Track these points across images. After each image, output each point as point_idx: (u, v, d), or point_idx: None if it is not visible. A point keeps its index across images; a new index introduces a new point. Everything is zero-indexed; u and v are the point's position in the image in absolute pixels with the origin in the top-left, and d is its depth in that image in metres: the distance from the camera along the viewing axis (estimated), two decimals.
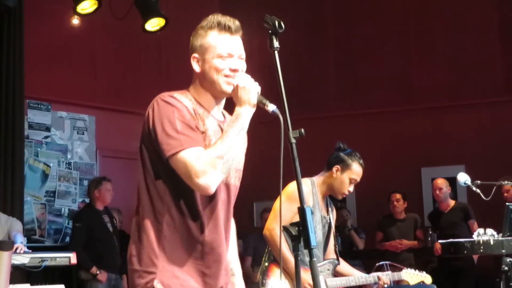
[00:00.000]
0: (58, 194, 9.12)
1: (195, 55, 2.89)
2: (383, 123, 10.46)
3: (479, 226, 6.86)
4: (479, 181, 6.07)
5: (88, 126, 9.55)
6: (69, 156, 9.30)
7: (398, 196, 9.13)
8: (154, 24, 8.33)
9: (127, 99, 9.71)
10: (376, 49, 10.78)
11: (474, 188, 6.02)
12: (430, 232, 8.81)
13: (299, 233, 2.48)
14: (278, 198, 4.62)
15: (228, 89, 2.84)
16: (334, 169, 4.82)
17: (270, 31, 2.69)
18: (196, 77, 2.91)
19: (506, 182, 6.37)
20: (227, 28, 2.87)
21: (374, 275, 5.15)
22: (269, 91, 2.91)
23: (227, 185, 2.89)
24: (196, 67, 2.88)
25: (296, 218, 2.57)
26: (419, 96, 10.48)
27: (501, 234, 5.76)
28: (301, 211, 2.47)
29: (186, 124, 2.73)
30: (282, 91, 2.64)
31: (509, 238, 5.63)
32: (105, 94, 9.67)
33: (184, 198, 2.78)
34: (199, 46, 2.88)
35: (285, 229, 2.54)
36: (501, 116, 9.93)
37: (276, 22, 2.67)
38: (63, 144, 9.26)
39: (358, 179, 4.87)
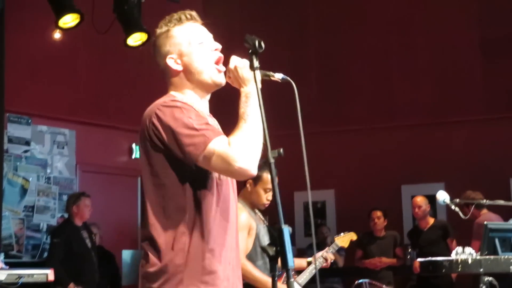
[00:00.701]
0: (37, 209, 9.05)
1: (171, 56, 2.80)
2: (364, 140, 10.49)
3: (458, 244, 6.89)
4: (458, 200, 6.11)
5: (69, 141, 9.50)
6: (48, 171, 9.24)
7: (378, 213, 9.14)
8: (136, 38, 8.32)
9: (109, 114, 9.68)
10: (359, 65, 10.83)
11: (453, 207, 6.04)
12: (410, 250, 8.83)
13: (276, 254, 2.48)
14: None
15: (220, 79, 2.79)
16: (247, 184, 4.95)
17: (250, 51, 2.68)
18: (176, 79, 2.82)
19: (485, 201, 6.40)
20: (189, 18, 2.84)
21: (319, 259, 5.41)
22: None
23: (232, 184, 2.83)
24: (177, 66, 2.79)
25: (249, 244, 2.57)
26: (400, 113, 10.52)
27: (479, 253, 5.79)
28: (279, 232, 2.47)
29: (200, 118, 2.63)
30: (261, 110, 2.63)
31: (487, 257, 5.65)
32: (86, 108, 9.64)
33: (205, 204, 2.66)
34: (170, 46, 2.80)
35: (263, 249, 2.53)
36: (481, 135, 9.98)
37: (256, 42, 2.66)
38: (42, 158, 9.20)
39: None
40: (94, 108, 9.69)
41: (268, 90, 2.82)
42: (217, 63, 2.81)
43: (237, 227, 2.86)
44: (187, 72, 2.79)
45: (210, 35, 2.88)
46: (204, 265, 2.63)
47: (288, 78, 2.72)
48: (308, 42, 11.22)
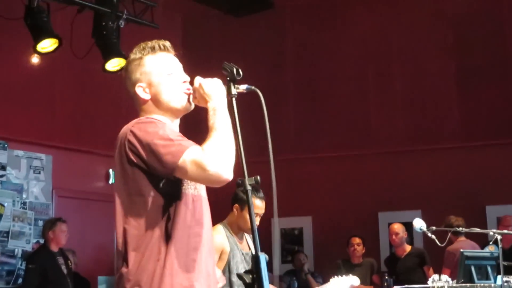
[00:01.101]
0: (12, 234, 8.95)
1: (140, 84, 2.84)
2: (341, 167, 10.51)
3: (435, 272, 6.92)
4: (434, 227, 6.13)
5: (45, 166, 9.43)
6: (24, 196, 9.16)
7: (357, 240, 9.17)
8: (114, 64, 8.33)
9: (86, 139, 9.64)
10: (336, 93, 10.88)
11: (429, 234, 6.07)
12: (386, 277, 8.82)
13: (253, 281, 2.47)
14: None
15: (186, 103, 2.83)
16: (234, 209, 4.91)
17: (228, 78, 2.70)
18: (145, 107, 2.86)
19: (461, 228, 6.44)
20: (162, 48, 2.89)
21: None
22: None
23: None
24: (146, 95, 2.84)
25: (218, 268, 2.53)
26: (377, 141, 10.57)
27: (455, 281, 5.81)
28: (255, 259, 2.47)
29: (174, 132, 2.69)
30: (239, 137, 2.64)
31: (463, 284, 5.68)
32: (63, 133, 9.59)
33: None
34: (140, 75, 2.85)
35: (239, 276, 2.53)
36: (457, 162, 10.04)
37: (234, 69, 2.69)
38: (18, 183, 9.12)
39: (261, 212, 4.87)
40: (71, 133, 9.65)
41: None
42: (185, 91, 2.85)
43: (213, 246, 2.91)
44: (155, 101, 2.85)
45: (180, 66, 2.92)
46: (179, 281, 2.66)
47: (253, 87, 2.75)
48: (285, 70, 11.27)
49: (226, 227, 4.93)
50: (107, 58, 8.29)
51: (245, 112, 2.81)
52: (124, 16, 8.47)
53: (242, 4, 10.98)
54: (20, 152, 9.19)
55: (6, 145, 9.04)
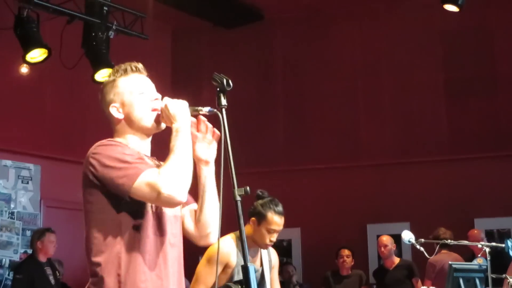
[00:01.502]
0: (0, 244, 8.92)
1: (114, 105, 2.93)
2: (330, 179, 10.52)
3: (423, 284, 6.92)
4: (423, 240, 6.15)
5: (33, 175, 9.41)
6: (12, 206, 9.13)
7: (347, 252, 9.17)
8: (104, 74, 8.31)
9: (74, 149, 9.59)
10: (325, 105, 10.91)
11: (418, 246, 6.09)
12: None
13: None
14: (201, 262, 4.61)
15: (156, 122, 2.89)
16: (251, 222, 4.70)
17: (218, 89, 2.71)
18: (119, 127, 2.95)
19: (449, 241, 6.45)
20: (134, 70, 2.97)
21: None
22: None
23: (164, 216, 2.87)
24: (119, 115, 2.92)
25: (220, 283, 2.51)
26: (366, 153, 10.60)
27: None
28: (245, 269, 2.46)
29: (134, 153, 2.77)
30: (229, 148, 2.65)
31: None
32: (52, 143, 9.57)
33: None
34: (114, 95, 2.94)
35: (228, 287, 2.52)
36: (446, 174, 10.07)
37: (224, 80, 2.70)
38: (6, 193, 9.08)
39: (278, 228, 4.68)
40: (60, 143, 9.63)
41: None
42: (154, 110, 2.91)
43: (180, 262, 2.92)
44: (128, 120, 2.92)
45: (152, 86, 2.98)
46: None
47: (215, 110, 2.79)
48: (275, 82, 11.30)
49: (238, 239, 4.67)
50: (96, 68, 8.30)
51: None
52: (113, 27, 8.47)
53: (232, 16, 11.00)
54: (8, 162, 9.16)
55: None
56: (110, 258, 2.74)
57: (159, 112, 2.88)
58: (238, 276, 4.61)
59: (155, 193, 2.63)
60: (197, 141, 2.94)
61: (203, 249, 3.05)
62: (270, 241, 4.72)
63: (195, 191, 2.91)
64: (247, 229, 4.70)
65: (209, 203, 2.93)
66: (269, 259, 4.99)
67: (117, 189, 2.69)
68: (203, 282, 4.60)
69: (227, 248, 4.64)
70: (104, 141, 2.82)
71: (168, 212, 2.86)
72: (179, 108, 2.80)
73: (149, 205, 2.78)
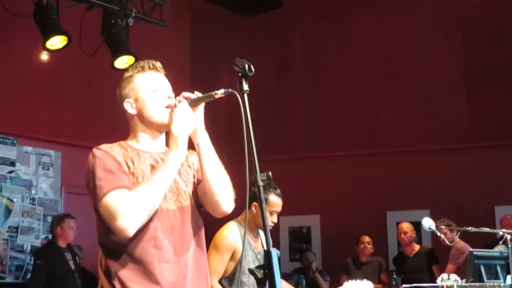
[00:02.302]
0: (21, 230, 8.98)
1: (128, 100, 2.97)
2: (349, 166, 10.51)
3: (443, 271, 6.91)
4: (443, 226, 6.13)
5: (54, 162, 9.46)
6: (33, 192, 9.19)
7: (367, 238, 9.19)
8: (123, 61, 8.34)
9: (94, 136, 9.64)
10: (344, 93, 10.88)
11: (438, 234, 6.07)
12: (395, 276, 8.79)
13: (264, 277, 2.47)
14: (209, 252, 4.65)
15: (168, 119, 2.90)
16: (252, 207, 4.86)
17: (239, 74, 2.70)
18: (132, 123, 2.99)
19: (470, 228, 6.42)
20: (151, 67, 3.01)
21: None
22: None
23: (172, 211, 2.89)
24: (132, 110, 2.96)
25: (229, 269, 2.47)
26: (385, 141, 10.56)
27: (464, 280, 5.80)
28: (267, 254, 2.46)
29: (106, 169, 2.80)
30: (250, 134, 2.64)
31: (473, 283, 5.66)
32: (72, 130, 9.61)
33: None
34: (129, 91, 2.98)
35: (251, 272, 2.52)
36: (466, 162, 10.03)
37: (246, 65, 2.68)
38: (27, 179, 9.14)
39: (278, 209, 4.92)
40: (80, 129, 9.66)
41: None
42: (168, 107, 2.92)
43: (197, 248, 2.94)
44: (140, 116, 2.96)
45: (168, 85, 3.01)
46: None
47: (230, 90, 2.77)
48: (294, 70, 11.27)
49: (241, 224, 4.87)
50: (115, 55, 8.32)
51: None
52: (133, 14, 8.49)
53: (251, 3, 10.98)
54: (29, 149, 9.22)
55: (15, 141, 9.07)
56: (107, 260, 2.89)
57: (172, 109, 2.89)
58: (246, 260, 4.72)
59: (110, 218, 2.70)
60: None
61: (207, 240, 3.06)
62: (272, 222, 4.95)
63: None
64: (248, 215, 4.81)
65: (210, 171, 2.89)
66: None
67: (92, 197, 2.80)
68: (215, 271, 4.69)
69: (232, 234, 4.78)
70: (93, 150, 2.89)
71: (169, 207, 2.88)
72: (183, 130, 2.82)
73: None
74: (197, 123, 2.90)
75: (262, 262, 4.76)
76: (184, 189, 2.94)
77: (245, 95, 2.71)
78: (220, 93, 2.79)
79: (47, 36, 7.82)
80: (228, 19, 11.27)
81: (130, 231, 2.68)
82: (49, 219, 8.91)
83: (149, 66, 3.00)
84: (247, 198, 2.71)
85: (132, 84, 2.98)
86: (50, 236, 8.44)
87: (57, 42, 7.94)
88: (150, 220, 2.77)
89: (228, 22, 11.34)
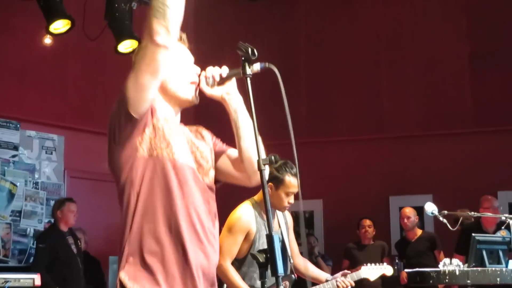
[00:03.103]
0: (24, 214, 9.00)
1: None
2: (352, 151, 10.51)
3: (446, 256, 6.92)
4: (446, 212, 6.13)
5: (57, 146, 9.46)
6: (36, 176, 9.20)
7: (368, 222, 9.21)
8: (127, 46, 8.32)
9: (97, 120, 9.59)
10: (348, 77, 10.85)
11: (441, 218, 6.07)
12: (397, 261, 8.83)
13: (266, 261, 2.47)
14: (222, 233, 4.62)
15: (193, 97, 2.84)
16: (268, 187, 4.70)
17: (243, 58, 2.69)
18: None
19: (473, 213, 6.43)
20: (178, 38, 2.84)
21: (333, 282, 5.22)
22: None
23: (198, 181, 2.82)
24: None
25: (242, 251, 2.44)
26: (389, 125, 10.55)
27: (466, 265, 5.81)
28: (269, 238, 2.47)
29: None
30: (253, 118, 2.64)
31: (475, 268, 5.68)
32: (75, 114, 9.61)
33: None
34: None
35: (253, 256, 2.53)
36: (469, 147, 10.01)
37: (249, 49, 2.67)
38: (31, 163, 9.15)
39: (295, 190, 4.76)
40: (83, 114, 9.67)
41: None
42: (193, 83, 2.86)
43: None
44: (163, 88, 2.82)
45: (192, 59, 2.93)
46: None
47: (267, 64, 2.73)
48: (298, 54, 11.24)
49: (256, 205, 4.79)
50: (119, 39, 8.30)
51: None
52: None
53: None
54: (32, 133, 9.22)
55: (18, 126, 9.07)
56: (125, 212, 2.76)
57: (198, 85, 2.83)
58: (260, 241, 4.66)
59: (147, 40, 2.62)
60: (209, 90, 2.89)
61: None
62: (289, 203, 4.83)
63: None
64: (262, 194, 4.72)
65: (249, 137, 2.83)
66: (285, 220, 5.08)
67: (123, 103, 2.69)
68: (228, 252, 4.63)
69: (246, 215, 4.68)
70: None
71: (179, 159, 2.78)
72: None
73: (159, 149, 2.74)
74: (231, 88, 2.87)
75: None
76: (204, 164, 2.90)
77: (248, 79, 2.70)
78: (256, 68, 2.73)
79: (50, 20, 7.80)
80: (232, 3, 11.23)
81: (163, 37, 2.61)
82: (52, 203, 8.91)
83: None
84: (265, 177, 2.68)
85: None
86: (52, 220, 8.47)
87: (60, 26, 7.91)
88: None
89: (232, 7, 11.29)
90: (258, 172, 2.69)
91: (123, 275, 2.66)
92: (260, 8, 11.17)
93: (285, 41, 11.21)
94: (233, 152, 2.97)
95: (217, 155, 2.97)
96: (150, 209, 2.69)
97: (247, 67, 2.68)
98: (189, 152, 2.83)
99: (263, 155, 2.73)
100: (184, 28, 2.86)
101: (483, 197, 8.22)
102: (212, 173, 2.91)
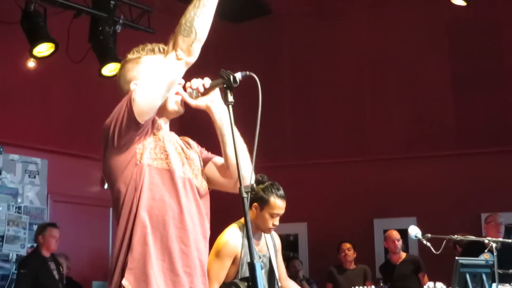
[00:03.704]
0: (7, 238, 8.92)
1: (135, 82, 2.86)
2: (336, 173, 10.51)
3: (430, 279, 6.92)
4: (429, 235, 6.13)
5: (40, 170, 9.41)
6: (19, 200, 9.13)
7: (348, 245, 9.20)
8: (111, 68, 8.32)
9: (81, 143, 9.61)
10: (332, 99, 10.89)
11: (424, 242, 6.07)
12: (381, 284, 8.82)
13: None
14: (209, 258, 4.58)
15: (179, 108, 2.88)
16: (253, 207, 4.70)
17: (224, 86, 2.71)
18: None
19: (456, 236, 6.43)
20: (161, 51, 2.90)
21: None
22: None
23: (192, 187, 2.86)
24: None
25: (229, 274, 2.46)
26: (372, 147, 10.57)
27: None
28: (251, 266, 2.46)
29: None
30: (235, 145, 2.64)
31: None
32: (59, 137, 9.57)
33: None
34: (137, 72, 2.89)
35: (236, 285, 2.51)
36: (453, 169, 10.04)
37: (231, 77, 2.69)
38: (13, 187, 9.09)
39: (281, 212, 4.71)
40: (67, 137, 9.63)
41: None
42: (177, 94, 2.89)
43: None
44: None
45: None
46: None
47: (247, 73, 2.79)
48: (282, 76, 11.26)
49: (243, 227, 4.69)
50: (103, 62, 8.30)
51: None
52: (120, 21, 8.48)
53: (239, 10, 10.95)
54: (15, 156, 9.17)
55: (1, 149, 9.02)
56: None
57: (182, 96, 2.86)
58: (247, 266, 4.60)
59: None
60: (193, 102, 2.92)
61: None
62: (273, 225, 4.75)
63: None
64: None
65: (231, 145, 2.84)
66: (273, 243, 5.02)
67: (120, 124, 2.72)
68: (216, 278, 4.58)
69: (234, 239, 4.62)
70: None
71: (173, 168, 2.82)
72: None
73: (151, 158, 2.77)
74: (215, 97, 2.91)
75: (266, 264, 4.76)
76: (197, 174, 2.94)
77: (230, 106, 2.71)
78: (238, 77, 2.77)
79: (34, 43, 7.80)
80: (216, 25, 11.18)
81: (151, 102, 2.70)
82: (35, 227, 8.85)
83: (159, 50, 2.92)
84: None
85: (141, 66, 2.89)
86: (35, 245, 8.40)
87: (44, 49, 7.91)
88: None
89: (216, 29, 11.24)
90: (244, 178, 2.74)
91: (126, 283, 2.66)
92: (244, 31, 11.20)
93: (269, 63, 11.23)
94: (218, 159, 3.02)
95: (204, 162, 3.02)
96: (151, 218, 2.71)
97: (228, 94, 2.69)
98: (184, 163, 2.88)
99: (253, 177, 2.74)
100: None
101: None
102: (204, 182, 2.96)
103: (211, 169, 3.00)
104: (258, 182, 4.77)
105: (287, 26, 11.33)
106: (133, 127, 2.69)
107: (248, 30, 11.19)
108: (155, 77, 2.67)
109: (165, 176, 2.76)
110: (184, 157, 2.90)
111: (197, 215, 2.83)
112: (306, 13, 11.13)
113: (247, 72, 2.78)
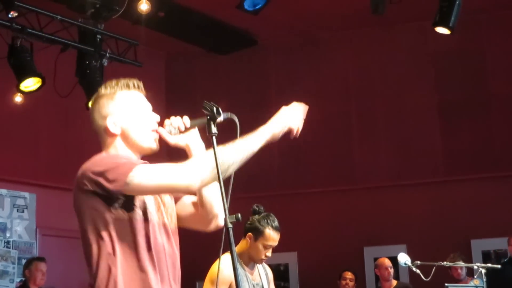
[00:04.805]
0: None
1: (111, 118, 2.83)
2: (325, 203, 10.51)
3: None
4: (419, 262, 6.16)
5: (29, 204, 9.39)
6: (8, 235, 9.09)
7: (350, 275, 9.21)
8: None
9: (69, 177, 9.51)
10: (318, 129, 10.91)
11: (414, 269, 6.10)
12: None
13: None
14: (205, 284, 4.58)
15: (154, 145, 2.85)
16: (247, 237, 4.73)
17: (208, 117, 2.73)
18: (111, 140, 2.87)
19: (445, 262, 6.45)
20: (136, 87, 2.90)
21: None
22: None
23: (165, 227, 2.84)
24: (116, 130, 2.84)
25: None
26: (360, 176, 10.60)
27: None
28: None
29: (128, 158, 2.76)
30: (220, 177, 2.65)
31: None
32: (47, 171, 9.56)
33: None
34: (112, 108, 2.84)
35: None
36: (441, 197, 10.07)
37: (215, 108, 2.71)
38: (2, 222, 9.05)
39: (274, 244, 4.74)
40: (55, 171, 9.61)
41: None
42: (154, 131, 2.88)
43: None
44: (124, 136, 2.85)
45: (151, 107, 2.94)
46: None
47: (229, 115, 2.81)
48: (269, 106, 11.17)
49: (238, 257, 4.70)
50: (90, 96, 8.27)
51: None
52: (107, 55, 8.52)
53: (226, 42, 11.04)
54: (3, 191, 9.15)
55: None
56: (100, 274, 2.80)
57: (161, 134, 2.85)
58: None
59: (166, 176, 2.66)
60: (172, 139, 2.91)
61: (200, 273, 3.02)
62: (266, 256, 4.78)
63: None
64: (242, 244, 4.78)
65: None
66: (265, 272, 5.03)
67: (110, 186, 2.65)
68: None
69: (228, 268, 4.63)
70: (96, 156, 2.81)
71: (155, 219, 2.81)
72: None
73: (136, 211, 2.74)
74: (194, 135, 2.92)
75: None
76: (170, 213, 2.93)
77: (214, 137, 2.73)
78: (219, 119, 2.78)
79: (21, 78, 7.82)
80: (202, 57, 11.31)
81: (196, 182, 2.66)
82: (24, 262, 8.83)
83: (133, 85, 2.89)
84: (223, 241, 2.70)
85: (116, 102, 2.84)
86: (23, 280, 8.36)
87: (31, 83, 7.94)
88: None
89: (203, 61, 11.37)
90: (217, 218, 2.85)
91: None
92: (231, 62, 11.26)
93: (256, 94, 11.28)
94: (190, 197, 3.00)
95: (175, 200, 3.00)
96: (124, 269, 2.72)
97: (212, 126, 2.71)
98: (157, 207, 2.85)
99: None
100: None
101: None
102: (175, 220, 2.94)
103: (183, 208, 3.00)
104: (254, 212, 4.82)
105: (273, 57, 11.39)
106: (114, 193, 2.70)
107: (235, 62, 11.25)
108: (163, 173, 2.64)
109: (141, 225, 2.76)
110: (156, 198, 2.87)
111: (170, 265, 2.85)
112: (292, 44, 11.20)
113: (229, 114, 2.80)
